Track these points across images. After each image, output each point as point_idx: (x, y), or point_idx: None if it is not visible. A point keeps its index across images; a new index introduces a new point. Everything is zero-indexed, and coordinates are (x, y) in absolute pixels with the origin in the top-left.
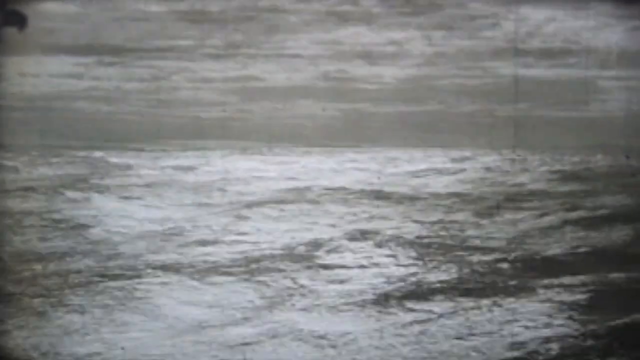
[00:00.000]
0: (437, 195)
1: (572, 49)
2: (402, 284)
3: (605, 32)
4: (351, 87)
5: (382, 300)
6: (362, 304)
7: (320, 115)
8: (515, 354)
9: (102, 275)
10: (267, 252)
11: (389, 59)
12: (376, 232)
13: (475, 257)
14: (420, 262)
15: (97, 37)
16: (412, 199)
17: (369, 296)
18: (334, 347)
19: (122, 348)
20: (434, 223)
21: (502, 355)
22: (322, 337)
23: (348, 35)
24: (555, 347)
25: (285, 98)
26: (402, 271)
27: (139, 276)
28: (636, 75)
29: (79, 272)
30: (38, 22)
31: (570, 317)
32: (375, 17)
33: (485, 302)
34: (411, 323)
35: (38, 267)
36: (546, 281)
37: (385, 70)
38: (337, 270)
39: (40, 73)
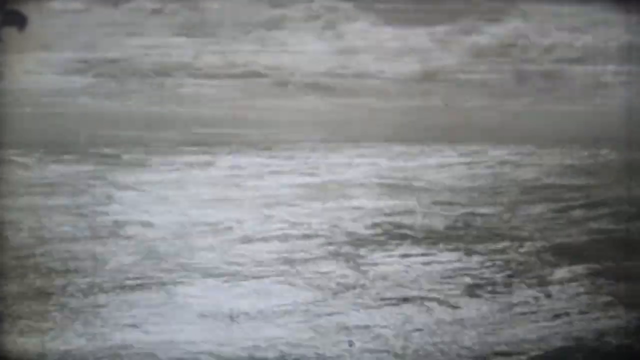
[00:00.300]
0: (455, 189)
1: (576, 44)
2: (447, 279)
3: (608, 27)
4: (354, 83)
5: (429, 296)
6: (406, 301)
7: (324, 110)
8: (568, 344)
9: (140, 273)
10: (304, 247)
11: (393, 54)
12: (409, 227)
13: (512, 250)
14: (462, 257)
15: (99, 34)
16: (431, 192)
17: (414, 292)
18: (378, 340)
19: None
20: (459, 216)
21: (556, 346)
22: (367, 332)
23: (352, 31)
24: (611, 338)
25: (288, 93)
26: (445, 267)
27: (177, 273)
28: (638, 70)
29: (116, 270)
30: (40, 20)
31: (621, 307)
32: (379, 13)
33: (533, 293)
34: (461, 318)
35: (74, 265)
36: (585, 271)
37: (389, 66)
38: (378, 267)
39: (43, 70)
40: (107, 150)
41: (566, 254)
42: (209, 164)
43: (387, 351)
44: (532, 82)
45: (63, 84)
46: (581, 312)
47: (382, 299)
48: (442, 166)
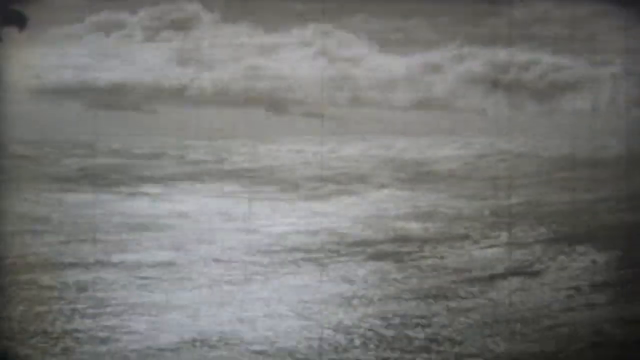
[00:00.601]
0: (473, 179)
1: (577, 36)
2: (491, 273)
3: (609, 19)
4: (355, 77)
5: (469, 289)
6: (449, 295)
7: (325, 106)
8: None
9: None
10: (347, 239)
11: (394, 47)
12: (438, 219)
13: (546, 242)
14: (502, 249)
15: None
16: (449, 182)
17: (454, 286)
18: (417, 328)
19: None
20: (487, 206)
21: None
22: (402, 322)
23: (353, 25)
24: None
25: (290, 89)
26: (488, 258)
27: (225, 267)
28: (637, 62)
29: (167, 265)
30: (43, 15)
31: None
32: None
33: (577, 283)
34: (513, 311)
35: (128, 259)
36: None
37: (390, 59)
38: (423, 261)
39: (46, 66)
40: (115, 145)
41: (597, 242)
42: (227, 159)
43: (438, 341)
44: (534, 74)
45: (66, 79)
46: (628, 301)
47: (422, 291)
48: (454, 157)
